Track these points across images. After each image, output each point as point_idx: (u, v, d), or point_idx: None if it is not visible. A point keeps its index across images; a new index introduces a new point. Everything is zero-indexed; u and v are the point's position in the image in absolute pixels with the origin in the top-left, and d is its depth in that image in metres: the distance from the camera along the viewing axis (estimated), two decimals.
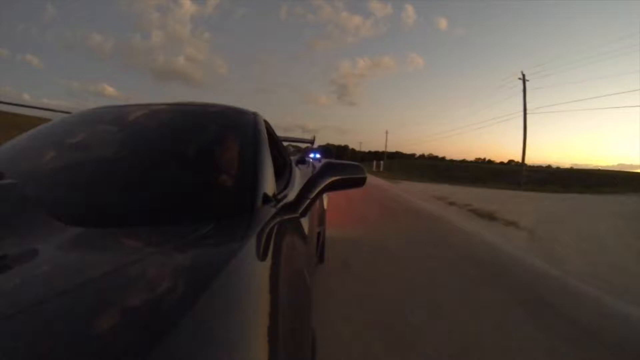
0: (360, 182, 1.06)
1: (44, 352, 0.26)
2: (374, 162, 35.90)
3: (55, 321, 0.30)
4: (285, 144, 2.73)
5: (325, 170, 1.00)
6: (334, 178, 0.98)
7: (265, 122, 1.19)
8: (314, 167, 2.38)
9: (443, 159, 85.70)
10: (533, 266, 3.32)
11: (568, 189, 15.70)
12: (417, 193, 10.94)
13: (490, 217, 6.21)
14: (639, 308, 2.33)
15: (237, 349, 0.33)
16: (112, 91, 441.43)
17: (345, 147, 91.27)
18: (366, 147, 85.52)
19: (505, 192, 13.00)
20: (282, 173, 1.30)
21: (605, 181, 22.35)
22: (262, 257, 0.52)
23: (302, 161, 2.46)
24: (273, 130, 1.41)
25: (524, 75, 19.67)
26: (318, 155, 4.39)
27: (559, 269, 3.21)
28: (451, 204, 8.15)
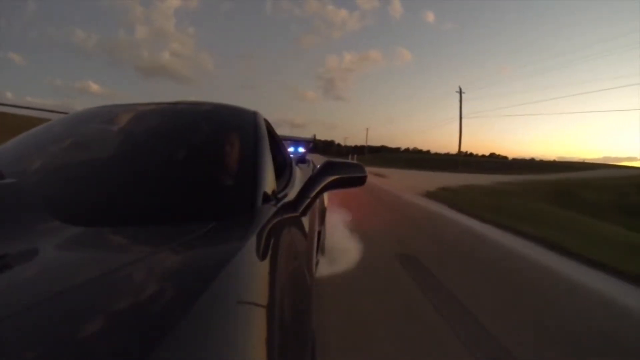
0: (360, 181, 1.06)
1: (44, 352, 0.26)
2: (350, 156, 39.01)
3: (55, 321, 0.30)
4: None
5: (326, 169, 1.01)
6: (334, 177, 0.99)
7: (266, 121, 1.20)
8: (314, 166, 2.49)
9: (428, 152, 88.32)
10: (377, 185, 8.77)
11: (498, 173, 19.62)
12: None
13: (383, 176, 11.63)
14: (401, 191, 8.02)
15: (237, 349, 0.33)
16: (97, 88, 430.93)
17: (332, 142, 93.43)
18: (352, 142, 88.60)
19: (428, 172, 17.81)
20: (283, 172, 1.32)
21: (561, 169, 25.55)
22: (263, 256, 0.52)
23: (302, 160, 2.56)
24: (273, 129, 1.41)
25: (460, 89, 26.76)
26: (301, 149, 4.93)
27: (387, 187, 8.58)
28: (373, 174, 11.65)
